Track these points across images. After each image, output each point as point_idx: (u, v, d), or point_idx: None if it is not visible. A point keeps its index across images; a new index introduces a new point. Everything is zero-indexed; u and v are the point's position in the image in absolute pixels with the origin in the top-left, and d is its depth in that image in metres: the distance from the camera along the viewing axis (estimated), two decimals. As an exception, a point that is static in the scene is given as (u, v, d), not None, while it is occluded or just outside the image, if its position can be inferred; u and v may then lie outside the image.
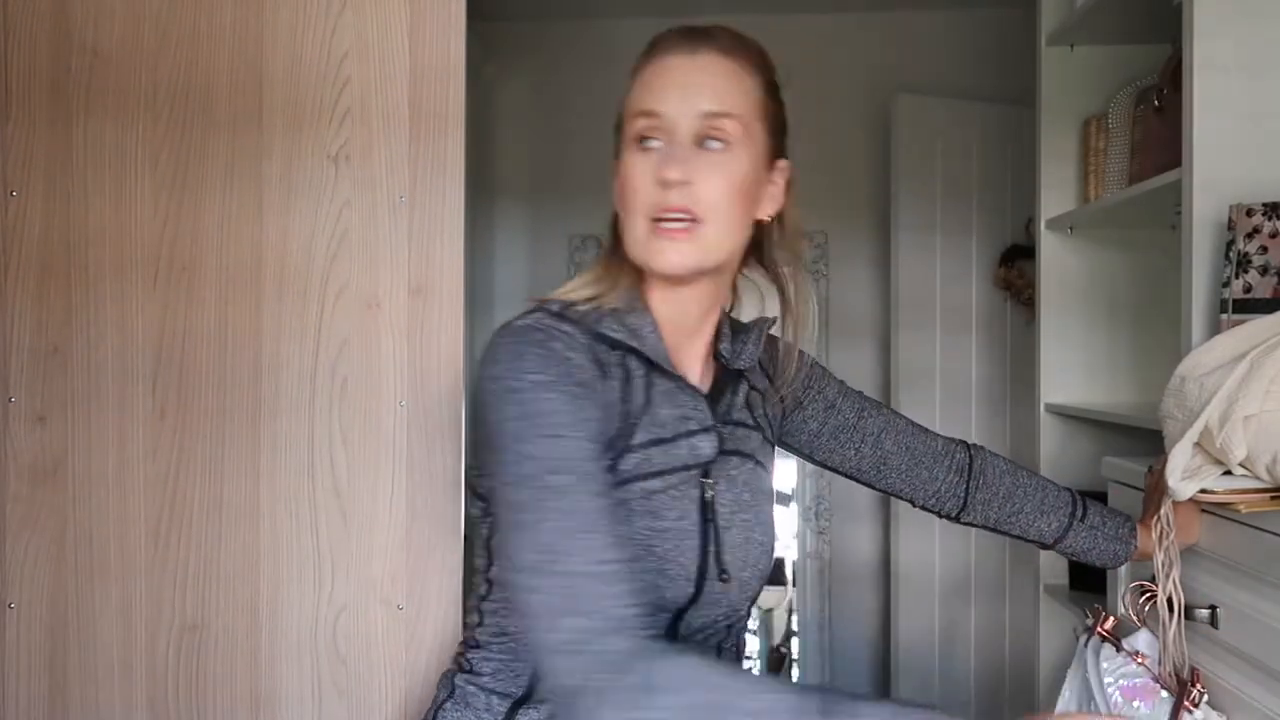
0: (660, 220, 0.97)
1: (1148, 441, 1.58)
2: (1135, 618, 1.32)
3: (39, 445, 1.36)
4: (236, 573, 1.35)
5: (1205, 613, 1.21)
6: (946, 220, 3.24)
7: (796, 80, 3.65)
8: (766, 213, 1.09)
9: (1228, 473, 1.15)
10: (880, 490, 1.27)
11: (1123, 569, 1.51)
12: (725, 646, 1.07)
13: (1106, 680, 1.28)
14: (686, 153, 0.97)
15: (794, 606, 4.79)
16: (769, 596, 6.17)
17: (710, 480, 1.02)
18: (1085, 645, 1.38)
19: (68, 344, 1.36)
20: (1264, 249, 1.41)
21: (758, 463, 1.10)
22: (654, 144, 0.98)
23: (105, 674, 1.34)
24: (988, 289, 3.28)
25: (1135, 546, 1.29)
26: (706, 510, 1.01)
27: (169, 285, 1.36)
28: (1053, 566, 2.21)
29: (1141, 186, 1.77)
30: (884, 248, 3.46)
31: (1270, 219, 1.41)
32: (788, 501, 5.48)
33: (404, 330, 1.36)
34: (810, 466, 3.69)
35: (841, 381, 1.29)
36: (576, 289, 1.03)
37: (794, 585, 4.80)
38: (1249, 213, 1.43)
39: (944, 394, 3.23)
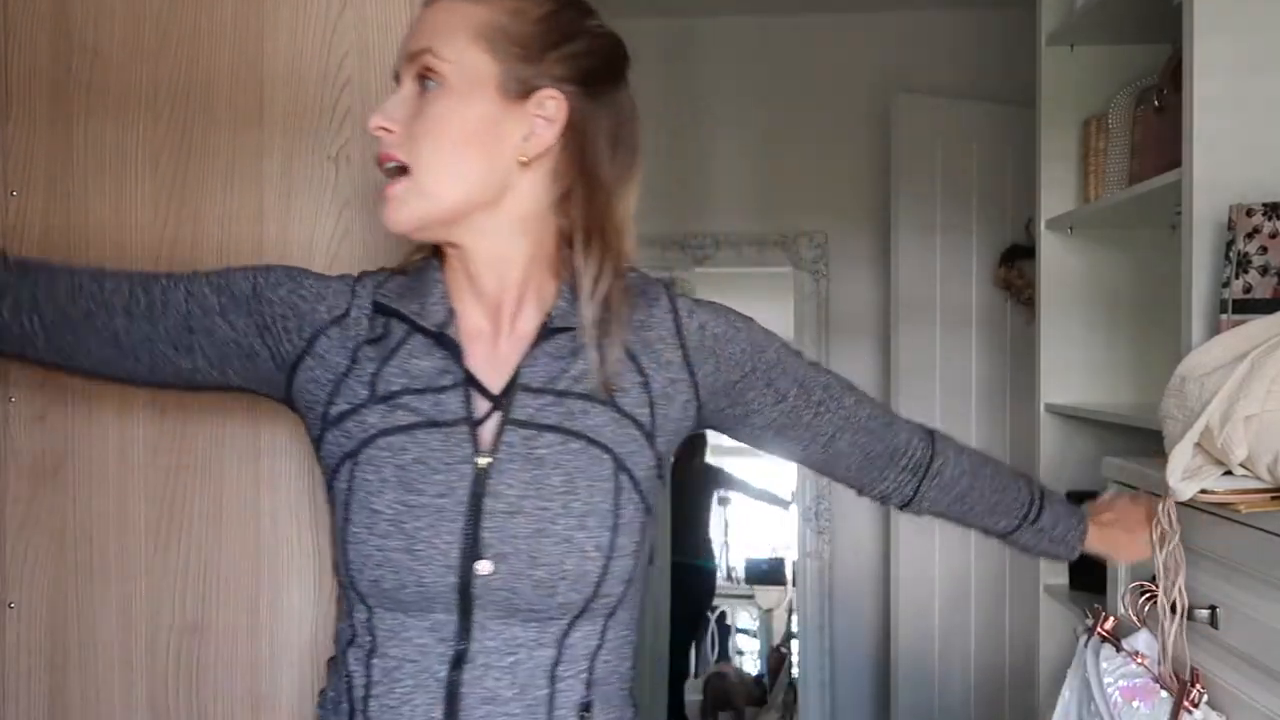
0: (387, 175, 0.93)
1: (1148, 441, 1.58)
2: (1135, 618, 1.32)
3: (39, 445, 1.36)
4: (237, 572, 1.35)
5: (1205, 613, 1.21)
6: (946, 220, 3.24)
7: (796, 80, 3.69)
8: (528, 153, 0.93)
9: (1228, 473, 1.16)
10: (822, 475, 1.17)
11: (1122, 569, 1.51)
12: (564, 672, 0.93)
13: (1106, 680, 1.28)
14: (397, 100, 0.92)
15: (794, 607, 4.80)
16: (769, 596, 6.18)
17: (486, 455, 0.91)
18: (1085, 645, 1.38)
19: (68, 344, 1.36)
20: (1264, 249, 1.41)
21: (592, 442, 0.93)
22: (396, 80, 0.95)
23: (105, 673, 1.34)
24: (988, 289, 3.28)
25: (1078, 550, 1.25)
26: (478, 488, 0.90)
27: (169, 285, 1.36)
28: (1053, 566, 2.21)
29: (1141, 186, 1.77)
30: (884, 248, 3.46)
31: (1270, 219, 1.41)
32: (786, 505, 5.52)
33: (404, 330, 1.36)
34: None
35: (810, 366, 1.10)
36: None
37: (794, 586, 4.81)
38: (1249, 213, 1.43)
39: (944, 394, 3.23)
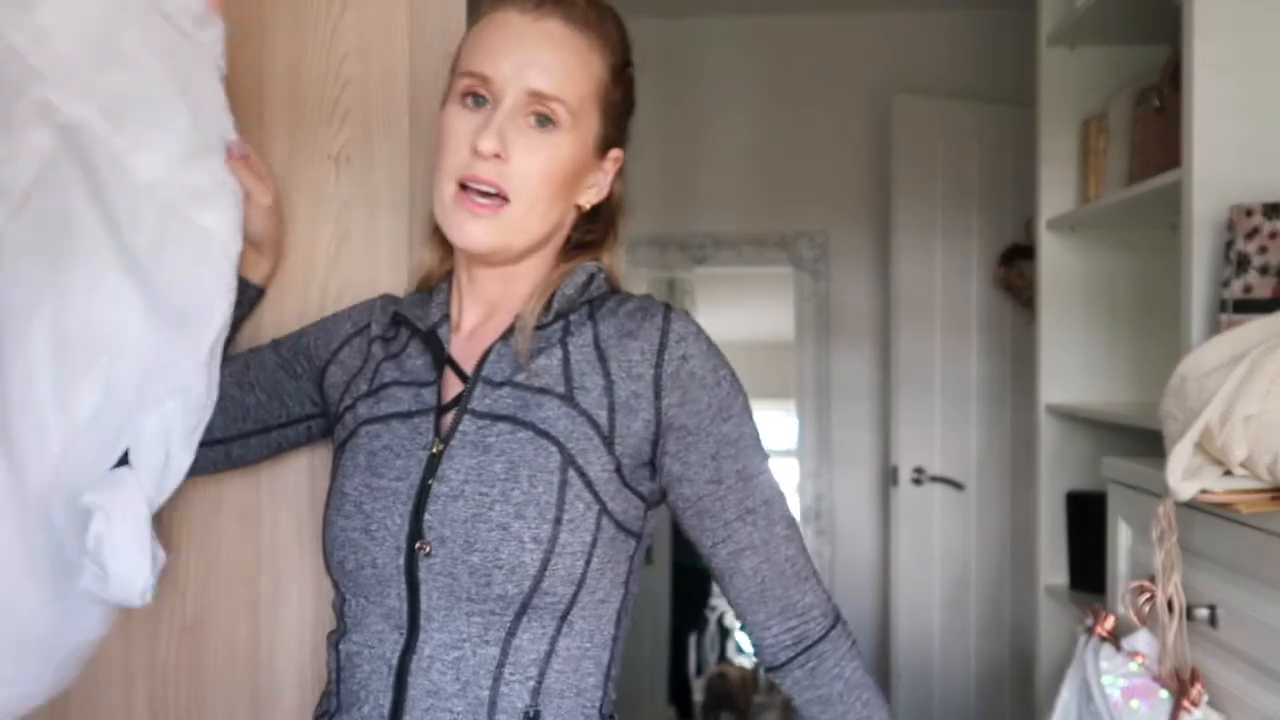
0: (467, 188, 0.92)
1: (1148, 441, 1.58)
2: (1135, 618, 1.32)
3: (39, 445, 1.36)
4: (237, 572, 1.35)
5: (1205, 613, 1.21)
6: (946, 220, 3.24)
7: (797, 80, 3.70)
8: (589, 201, 0.99)
9: (1228, 473, 1.16)
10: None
11: (1122, 569, 1.51)
12: (510, 674, 0.91)
13: (1106, 680, 1.29)
14: (507, 124, 0.91)
15: (794, 606, 4.79)
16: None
17: (441, 442, 0.93)
18: (1085, 645, 1.38)
19: (68, 344, 1.36)
20: (1264, 249, 1.41)
21: (541, 434, 0.91)
22: (479, 104, 0.93)
23: (104, 674, 1.34)
24: (988, 289, 3.29)
25: None
26: (429, 473, 0.92)
27: (169, 285, 1.36)
28: (1053, 566, 2.21)
29: (1141, 186, 1.77)
30: (884, 248, 3.46)
31: (1270, 219, 1.41)
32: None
33: (404, 330, 1.36)
34: (810, 465, 3.70)
35: (766, 479, 0.98)
36: (423, 262, 1.09)
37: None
38: (1249, 213, 1.43)
39: (944, 394, 3.23)
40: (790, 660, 0.98)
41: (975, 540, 3.25)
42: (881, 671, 3.49)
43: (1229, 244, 1.45)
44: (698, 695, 4.82)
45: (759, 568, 0.97)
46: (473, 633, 0.90)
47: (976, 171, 3.26)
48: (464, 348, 1.00)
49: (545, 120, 0.92)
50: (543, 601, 0.90)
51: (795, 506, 3.80)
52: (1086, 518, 2.08)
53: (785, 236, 3.65)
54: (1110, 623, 1.36)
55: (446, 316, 1.01)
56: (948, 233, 3.25)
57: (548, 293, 0.96)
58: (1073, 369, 2.21)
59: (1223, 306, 1.44)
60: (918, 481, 3.21)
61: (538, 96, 0.91)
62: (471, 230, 0.92)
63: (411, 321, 1.01)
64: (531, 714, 0.91)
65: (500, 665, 0.90)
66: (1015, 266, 3.22)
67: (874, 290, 3.61)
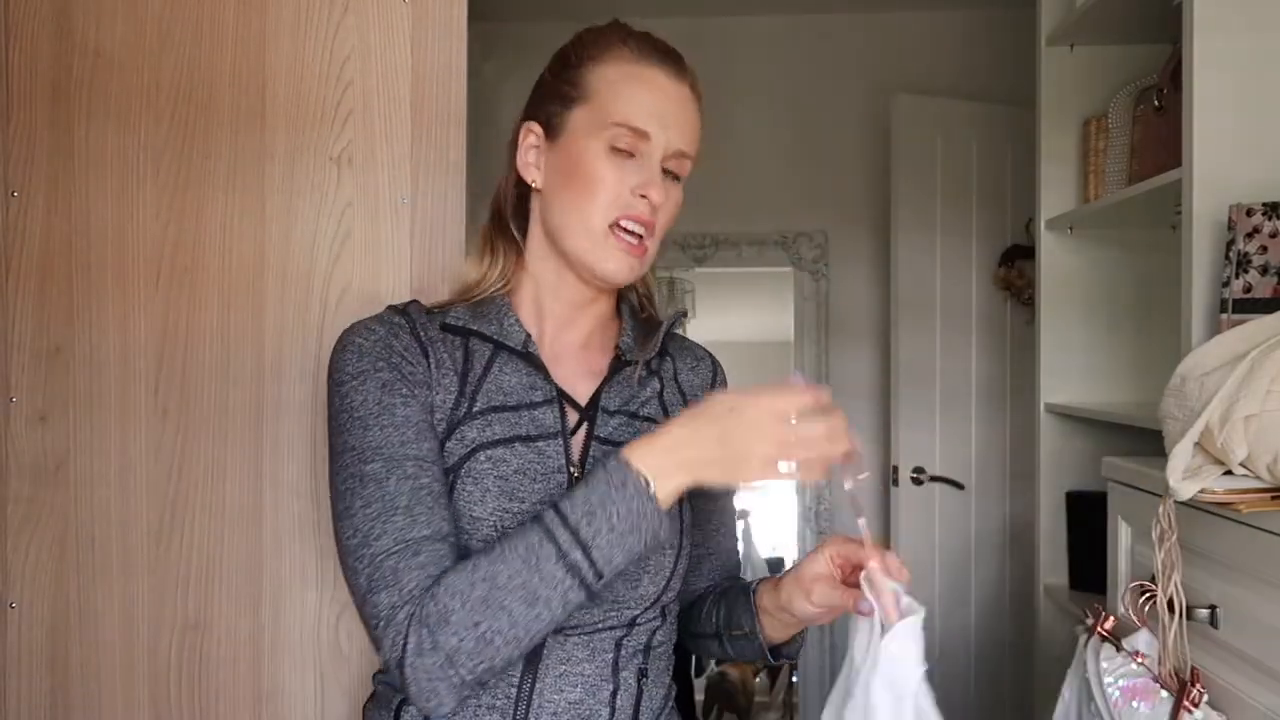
0: (621, 226, 1.03)
1: (1148, 441, 1.59)
2: (1135, 618, 1.33)
3: (40, 445, 1.36)
4: (239, 572, 1.35)
5: (1205, 613, 1.21)
6: (946, 220, 3.25)
7: (796, 80, 3.69)
8: None
9: (1228, 473, 1.16)
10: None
11: (1123, 568, 1.51)
12: (629, 644, 1.05)
13: (1106, 680, 1.29)
14: (658, 175, 1.04)
15: (794, 606, 4.79)
16: (769, 596, 6.17)
17: (576, 466, 1.03)
18: (1085, 645, 1.38)
19: (70, 344, 1.36)
20: (1264, 249, 1.41)
21: None
22: (632, 152, 1.03)
23: (107, 674, 1.35)
24: (988, 289, 3.29)
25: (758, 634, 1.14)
26: None
27: (171, 286, 1.37)
28: (1053, 566, 2.21)
29: (1141, 186, 1.77)
30: (884, 248, 3.46)
31: (1270, 219, 1.42)
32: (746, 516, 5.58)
33: (405, 331, 1.36)
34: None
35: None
36: (469, 276, 1.11)
37: (794, 585, 4.80)
38: (1249, 213, 1.43)
39: (944, 394, 3.23)
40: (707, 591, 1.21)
41: (975, 540, 3.25)
42: (882, 671, 3.49)
43: (1229, 244, 1.45)
44: (699, 695, 4.82)
45: (709, 543, 1.22)
46: (604, 620, 1.03)
47: (976, 171, 3.26)
48: (559, 372, 1.07)
49: (677, 175, 1.07)
50: (666, 595, 1.07)
51: (796, 506, 3.80)
52: (1086, 518, 2.08)
53: (785, 236, 3.65)
54: (1110, 623, 1.36)
55: (529, 335, 1.06)
56: (948, 233, 3.25)
57: (655, 330, 1.12)
58: (1073, 369, 2.21)
59: (1223, 306, 1.44)
60: (918, 481, 3.21)
61: (681, 155, 1.06)
62: (627, 264, 1.04)
63: (492, 337, 1.05)
64: (642, 670, 1.06)
65: (623, 639, 1.04)
66: (1015, 266, 3.22)
67: (874, 290, 3.61)
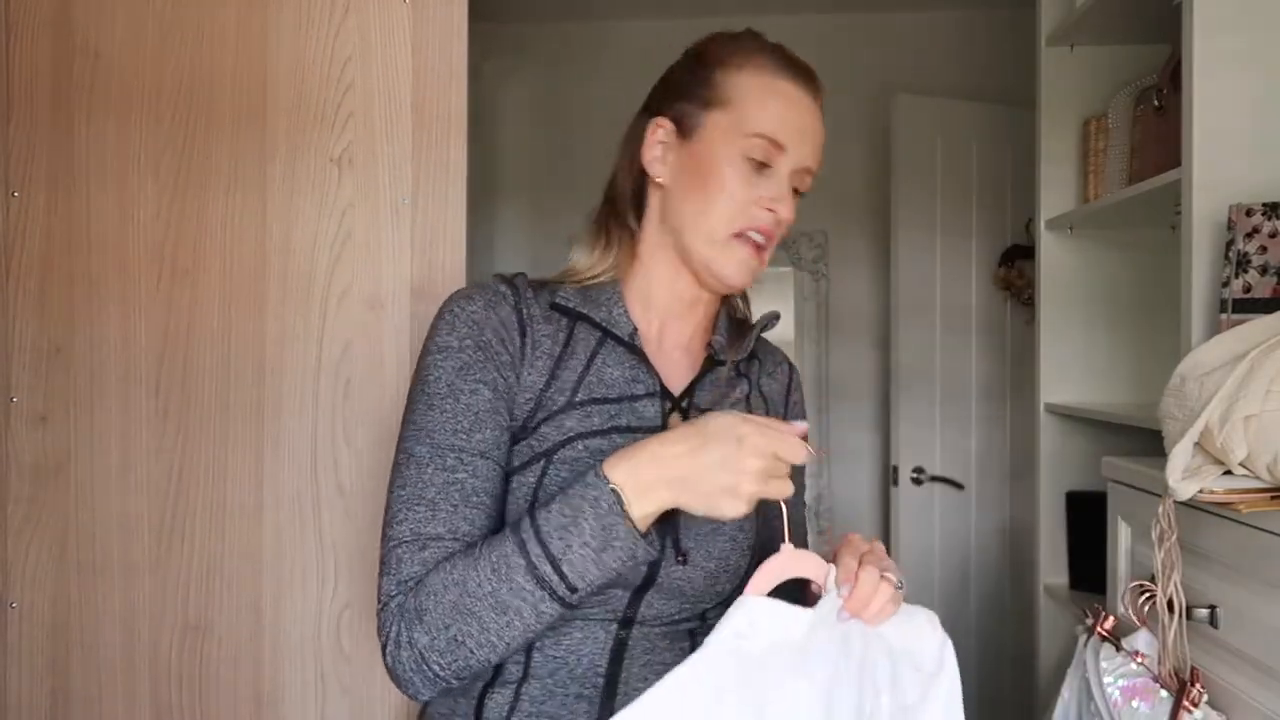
0: (746, 235, 1.06)
1: (1148, 441, 1.59)
2: (1135, 618, 1.33)
3: (41, 445, 1.36)
4: (240, 572, 1.35)
5: (1205, 613, 1.21)
6: (946, 220, 3.25)
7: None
8: None
9: (1228, 472, 1.16)
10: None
11: (1123, 568, 1.51)
12: (701, 635, 1.04)
13: (1106, 680, 1.29)
14: (788, 190, 1.07)
15: (794, 606, 4.79)
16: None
17: None
18: (1085, 645, 1.38)
19: (70, 344, 1.37)
20: (1264, 249, 1.42)
21: None
22: (766, 163, 1.05)
23: (108, 674, 1.35)
24: (988, 289, 3.29)
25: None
26: None
27: (172, 286, 1.37)
28: (1052, 566, 2.21)
29: (1141, 186, 1.77)
30: (884, 248, 3.46)
31: (1270, 219, 1.42)
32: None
33: (407, 331, 1.36)
34: (810, 465, 3.69)
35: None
36: (580, 261, 1.10)
37: (794, 585, 4.80)
38: (1249, 213, 1.43)
39: (944, 394, 3.23)
40: None
41: (975, 540, 3.25)
42: (882, 671, 3.49)
43: (1229, 244, 1.45)
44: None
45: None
46: (682, 612, 1.03)
47: (976, 171, 3.26)
48: (660, 367, 1.08)
49: (799, 189, 1.10)
50: (736, 595, 1.05)
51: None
52: (1086, 518, 2.08)
53: (785, 236, 3.65)
54: (1110, 623, 1.36)
55: (635, 327, 1.06)
56: (948, 233, 3.25)
57: (747, 332, 1.14)
58: (1072, 369, 2.21)
59: (1223, 306, 1.45)
60: (918, 481, 3.21)
61: (808, 171, 1.09)
62: (748, 268, 1.07)
63: (600, 324, 1.05)
64: None
65: (696, 631, 1.05)
66: (1015, 266, 3.22)
67: (874, 290, 3.61)
